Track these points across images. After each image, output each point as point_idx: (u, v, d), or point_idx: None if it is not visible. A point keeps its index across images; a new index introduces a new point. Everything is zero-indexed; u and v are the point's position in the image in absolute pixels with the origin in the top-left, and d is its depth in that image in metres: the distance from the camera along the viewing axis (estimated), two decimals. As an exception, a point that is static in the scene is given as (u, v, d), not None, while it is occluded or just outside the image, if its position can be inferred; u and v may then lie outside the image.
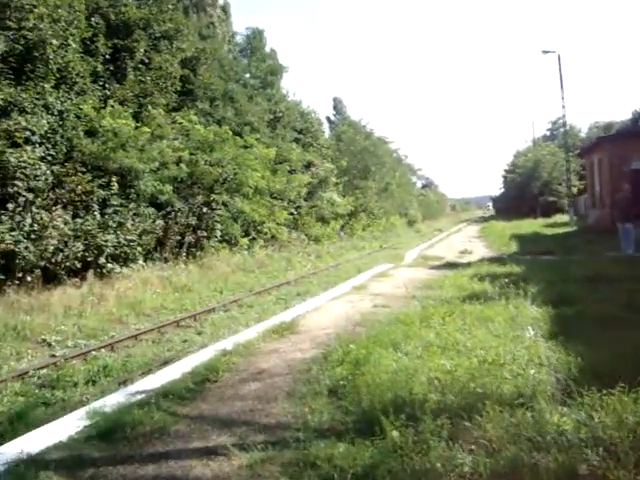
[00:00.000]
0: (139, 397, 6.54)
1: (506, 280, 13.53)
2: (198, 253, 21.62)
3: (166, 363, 9.39)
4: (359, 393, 6.06)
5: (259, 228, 26.28)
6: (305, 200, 33.40)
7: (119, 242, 17.41)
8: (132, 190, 19.45)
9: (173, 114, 24.07)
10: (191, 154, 22.80)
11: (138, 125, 20.46)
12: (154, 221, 19.67)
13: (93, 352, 10.24)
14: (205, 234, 21.72)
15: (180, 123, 23.30)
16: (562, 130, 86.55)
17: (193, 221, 21.36)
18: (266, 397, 6.41)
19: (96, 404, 6.63)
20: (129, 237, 17.86)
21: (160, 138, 21.55)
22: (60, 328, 12.22)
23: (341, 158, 42.43)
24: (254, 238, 25.78)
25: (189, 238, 21.08)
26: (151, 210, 19.97)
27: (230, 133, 24.18)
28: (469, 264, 18.28)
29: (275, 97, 34.61)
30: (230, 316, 14.18)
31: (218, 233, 22.89)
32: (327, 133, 51.01)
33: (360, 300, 12.86)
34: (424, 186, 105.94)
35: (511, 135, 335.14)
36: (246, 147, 25.51)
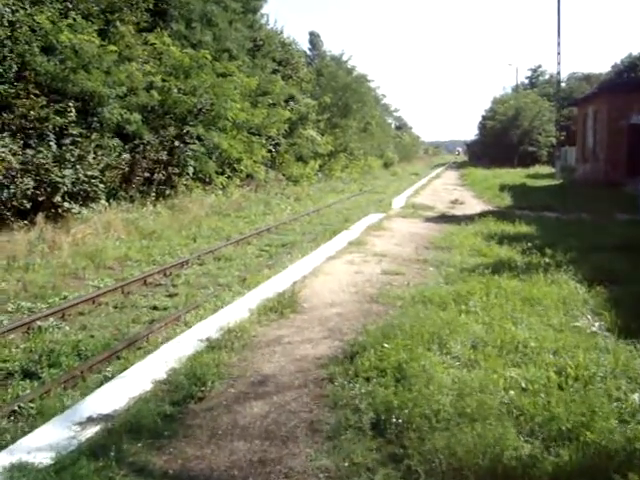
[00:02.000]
0: (88, 434, 4.44)
1: (529, 245, 11.82)
2: (169, 192, 19.37)
3: (131, 344, 7.34)
4: (422, 438, 4.14)
5: (235, 166, 23.97)
6: (284, 137, 31.02)
7: (78, 178, 14.99)
8: (95, 118, 17.06)
9: (144, 34, 21.41)
10: (163, 80, 20.31)
11: (104, 44, 17.84)
12: (119, 155, 17.33)
13: (38, 322, 8.09)
14: (177, 171, 19.40)
15: (152, 44, 20.67)
16: (554, 79, 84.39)
17: (164, 156, 18.99)
18: (279, 433, 4.43)
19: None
20: (90, 173, 15.44)
21: (129, 60, 19.01)
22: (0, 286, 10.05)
23: (321, 94, 39.84)
24: (230, 177, 23.50)
25: (159, 175, 18.76)
26: (116, 142, 17.61)
27: (209, 58, 21.55)
28: (472, 219, 16.45)
29: (256, 24, 31.66)
30: (207, 272, 12.10)
31: (191, 170, 20.59)
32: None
33: (364, 262, 10.88)
34: (398, 127, 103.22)
35: (486, 81, 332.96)
36: (225, 75, 22.94)
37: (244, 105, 24.28)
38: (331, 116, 41.77)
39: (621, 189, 25.57)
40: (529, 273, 9.34)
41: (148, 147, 18.50)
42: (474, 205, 23.40)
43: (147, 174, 18.58)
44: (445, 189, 32.76)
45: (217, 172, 21.98)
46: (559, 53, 38.27)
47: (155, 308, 9.43)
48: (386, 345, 5.70)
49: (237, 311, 7.46)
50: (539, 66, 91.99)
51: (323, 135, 37.93)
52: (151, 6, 22.28)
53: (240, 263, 12.93)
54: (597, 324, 7.08)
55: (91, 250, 12.49)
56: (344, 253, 11.79)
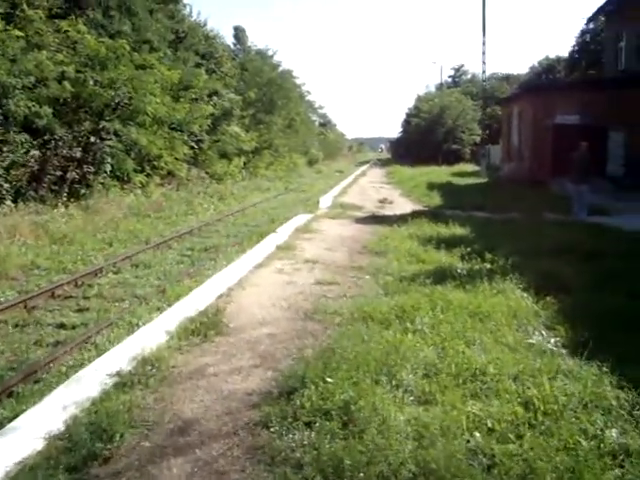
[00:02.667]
0: None
1: (467, 249, 11.26)
2: (83, 192, 17.99)
3: (28, 376, 6.27)
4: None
5: (155, 163, 22.67)
6: (207, 133, 29.79)
7: (-22, 176, 13.61)
8: (-2, 111, 15.55)
9: (57, 21, 19.90)
10: (78, 71, 18.90)
11: (8, 28, 16.34)
12: (27, 151, 15.95)
13: None
14: (92, 169, 18.03)
15: (66, 32, 19.19)
16: (477, 78, 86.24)
17: (78, 153, 17.61)
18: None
19: None
20: (-7, 170, 14.04)
21: (38, 48, 17.57)
22: None
23: (246, 89, 38.74)
24: (149, 175, 22.20)
25: (72, 174, 17.37)
26: (24, 137, 16.19)
27: (127, 49, 20.18)
28: (404, 219, 15.85)
29: (178, 14, 30.21)
30: (123, 281, 11.02)
31: (108, 168, 19.24)
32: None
33: (295, 270, 10.05)
34: (322, 124, 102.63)
35: (409, 79, 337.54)
36: (144, 67, 21.63)
37: (165, 99, 23.03)
38: (256, 112, 40.76)
39: (546, 188, 25.63)
40: (473, 282, 8.70)
41: (60, 143, 17.13)
42: (403, 204, 22.92)
43: (59, 172, 17.17)
44: (372, 187, 32.31)
45: (136, 170, 20.67)
46: (484, 53, 38.62)
47: (62, 326, 8.33)
48: (329, 380, 4.87)
49: (154, 333, 6.48)
50: (462, 65, 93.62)
51: (248, 131, 36.87)
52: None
53: (159, 270, 11.89)
54: (552, 340, 6.49)
55: (-9, 257, 11.21)
56: (273, 259, 10.91)
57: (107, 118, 19.20)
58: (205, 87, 28.59)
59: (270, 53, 48.06)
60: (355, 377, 4.98)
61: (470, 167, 51.82)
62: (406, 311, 7.02)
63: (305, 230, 14.58)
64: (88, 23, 21.48)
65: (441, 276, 9.09)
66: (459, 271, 9.51)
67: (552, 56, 73.06)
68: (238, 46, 56.53)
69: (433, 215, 17.21)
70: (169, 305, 8.33)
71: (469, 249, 11.25)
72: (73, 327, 8.25)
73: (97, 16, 22.37)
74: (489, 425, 4.41)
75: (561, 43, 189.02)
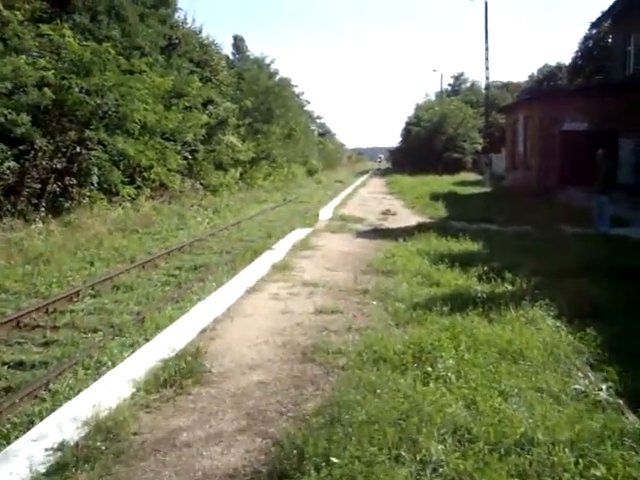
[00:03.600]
0: None
1: (484, 268, 10.10)
2: (66, 206, 16.83)
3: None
4: None
5: (145, 175, 21.50)
6: (202, 143, 28.62)
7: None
8: (-31, 118, 14.43)
9: (41, 25, 18.80)
10: (63, 78, 17.77)
11: (-19, 29, 15.28)
12: (2, 162, 14.75)
13: None
14: (75, 181, 16.84)
15: (48, 36, 18.07)
16: (477, 86, 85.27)
17: (60, 164, 16.44)
18: None
19: None
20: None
21: (17, 52, 16.42)
22: None
23: (243, 98, 37.62)
24: (139, 187, 21.02)
25: (53, 186, 16.19)
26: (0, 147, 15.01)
27: (112, 52, 19.01)
28: (409, 233, 14.72)
29: (171, 19, 29.05)
30: (100, 307, 9.82)
31: (95, 180, 18.08)
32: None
33: (292, 295, 8.88)
34: (321, 134, 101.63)
35: (406, 88, 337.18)
36: (132, 73, 20.48)
37: (157, 107, 21.89)
38: (253, 121, 39.62)
39: (554, 198, 24.64)
40: (497, 308, 7.54)
41: (40, 153, 15.95)
42: (407, 216, 21.78)
43: (39, 185, 16.00)
44: (374, 198, 31.13)
45: (124, 182, 19.46)
46: (487, 58, 37.58)
47: (20, 365, 7.13)
48: (334, 460, 3.70)
49: (119, 382, 5.30)
50: (462, 73, 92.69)
51: (244, 141, 35.74)
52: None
53: (142, 294, 10.69)
54: (604, 386, 5.33)
55: (-49, 282, 10.03)
56: (267, 282, 9.75)
57: (92, 127, 18.02)
58: (199, 95, 27.41)
59: (267, 61, 47.01)
60: (369, 453, 3.81)
61: (472, 176, 50.83)
62: (424, 350, 5.85)
63: (304, 246, 13.43)
64: (75, 28, 20.39)
65: (459, 301, 7.94)
66: (479, 294, 8.37)
67: (551, 63, 72.46)
68: (237, 56, 55.53)
69: (440, 228, 16.12)
70: (146, 339, 7.19)
71: (486, 267, 10.10)
72: (32, 366, 7.05)
73: (84, 21, 21.25)
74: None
75: (560, 50, 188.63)
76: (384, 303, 8.37)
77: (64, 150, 16.78)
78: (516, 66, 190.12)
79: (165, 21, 28.16)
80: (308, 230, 16.31)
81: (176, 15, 31.32)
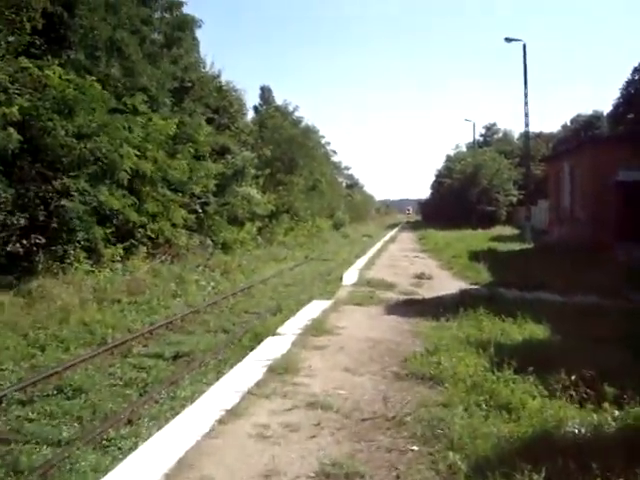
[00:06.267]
0: None
1: (571, 378, 6.85)
2: (42, 266, 14.04)
3: None
4: None
5: (141, 231, 18.57)
6: (215, 195, 25.85)
7: None
8: None
9: (26, 60, 16.32)
10: (49, 120, 15.21)
11: None
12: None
13: None
14: (42, 241, 13.98)
15: (27, 69, 15.50)
16: (509, 137, 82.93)
17: (23, 220, 13.63)
18: None
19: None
20: None
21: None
22: None
23: (264, 147, 35.13)
24: (133, 245, 18.09)
25: (15, 246, 13.34)
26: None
27: (99, 87, 16.33)
28: (452, 308, 11.64)
29: (183, 60, 26.57)
30: (17, 427, 6.84)
31: (81, 236, 15.29)
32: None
33: (287, 431, 5.73)
34: (349, 186, 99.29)
35: (435, 139, 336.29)
36: (124, 112, 17.79)
37: (158, 155, 19.21)
38: (274, 172, 37.03)
39: (611, 255, 21.49)
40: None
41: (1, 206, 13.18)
42: (445, 280, 18.62)
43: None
44: (405, 256, 27.89)
45: (109, 240, 16.49)
46: (526, 103, 34.67)
47: None
48: None
49: None
50: (494, 124, 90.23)
51: (264, 193, 33.05)
52: (41, 26, 17.32)
53: (88, 405, 7.68)
54: None
55: None
56: (256, 399, 6.62)
57: (72, 174, 15.24)
58: (207, 142, 24.66)
59: (291, 109, 44.70)
60: None
61: (508, 230, 47.83)
62: None
63: (318, 329, 10.28)
64: (68, 64, 17.89)
65: (555, 453, 4.80)
66: (580, 433, 5.24)
67: (584, 113, 70.01)
68: (264, 106, 53.32)
69: (488, 300, 13.01)
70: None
71: (573, 376, 6.86)
72: None
73: (79, 57, 18.72)
74: None
75: (593, 99, 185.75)
76: (430, 449, 5.25)
77: (28, 203, 14.00)
78: (545, 116, 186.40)
79: (176, 62, 25.70)
80: (327, 303, 13.21)
81: (191, 57, 28.86)
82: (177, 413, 6.72)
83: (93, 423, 6.97)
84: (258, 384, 7.12)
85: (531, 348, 8.64)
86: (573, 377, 6.74)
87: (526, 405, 6.25)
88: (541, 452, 4.94)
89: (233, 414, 6.11)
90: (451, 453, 5.08)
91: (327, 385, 7.18)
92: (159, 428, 6.08)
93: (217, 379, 7.88)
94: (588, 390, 6.46)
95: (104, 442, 6.39)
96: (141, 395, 8.10)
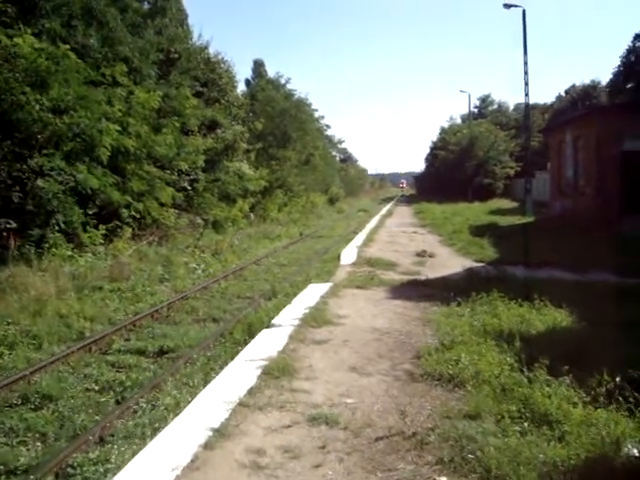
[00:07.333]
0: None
1: (617, 381, 5.81)
2: (14, 253, 12.95)
3: None
4: None
5: (126, 211, 17.40)
6: (204, 171, 24.65)
7: None
8: None
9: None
10: (22, 93, 14.04)
11: None
12: None
13: None
14: (14, 225, 12.85)
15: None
16: (504, 108, 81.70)
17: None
18: None
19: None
20: None
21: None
22: None
23: (255, 120, 33.83)
24: (118, 227, 16.94)
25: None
26: None
27: (73, 56, 15.10)
28: (461, 289, 10.71)
29: (168, 30, 25.15)
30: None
31: (60, 220, 14.16)
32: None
33: (286, 457, 4.75)
34: (343, 160, 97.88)
35: (428, 111, 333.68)
36: (101, 84, 16.53)
37: (141, 129, 18.02)
38: (266, 146, 35.76)
39: (617, 229, 20.57)
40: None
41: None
42: (448, 258, 17.63)
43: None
44: (403, 232, 26.81)
45: (88, 223, 15.31)
46: (526, 72, 33.29)
47: None
48: None
49: None
50: (488, 95, 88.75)
51: (257, 168, 31.83)
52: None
53: (54, 419, 6.66)
54: None
55: None
56: (248, 415, 5.60)
57: (47, 152, 14.08)
58: (195, 115, 23.35)
59: (283, 81, 43.22)
60: None
61: (506, 203, 46.90)
62: None
63: (318, 319, 9.26)
64: (42, 34, 16.64)
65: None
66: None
67: (579, 83, 68.80)
68: (256, 80, 51.77)
69: (498, 280, 12.10)
70: None
71: (617, 378, 5.82)
72: None
73: (55, 26, 17.41)
74: None
75: (588, 69, 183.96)
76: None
77: (5, 183, 12.87)
78: (539, 88, 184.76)
79: (161, 32, 24.33)
80: (326, 287, 12.19)
81: (177, 28, 27.43)
82: (156, 429, 5.75)
83: (58, 443, 5.95)
84: (251, 391, 6.11)
85: (559, 340, 7.64)
86: (618, 379, 5.74)
87: (569, 416, 5.26)
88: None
89: (221, 435, 5.10)
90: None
91: (331, 391, 6.18)
92: (133, 453, 5.07)
93: (204, 383, 6.89)
94: (636, 394, 5.46)
95: (69, 470, 5.38)
96: (118, 403, 7.07)
